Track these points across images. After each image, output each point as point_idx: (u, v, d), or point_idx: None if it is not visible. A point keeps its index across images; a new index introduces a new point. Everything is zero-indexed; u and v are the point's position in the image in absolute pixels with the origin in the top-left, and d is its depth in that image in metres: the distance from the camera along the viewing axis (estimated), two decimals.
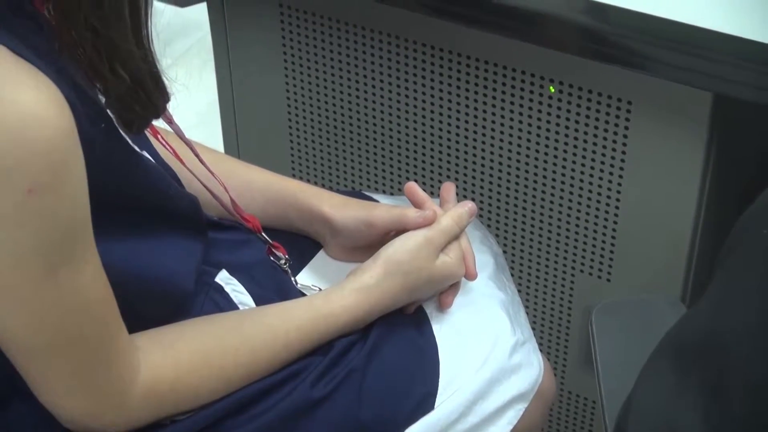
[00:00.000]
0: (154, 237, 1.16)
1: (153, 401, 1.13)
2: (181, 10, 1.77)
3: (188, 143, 1.29)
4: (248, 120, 1.85)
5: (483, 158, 1.65)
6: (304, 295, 1.30)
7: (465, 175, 1.68)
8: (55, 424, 1.10)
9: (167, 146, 1.26)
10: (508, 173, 1.64)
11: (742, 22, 1.33)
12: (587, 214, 1.61)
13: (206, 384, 1.16)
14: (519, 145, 1.61)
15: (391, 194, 1.67)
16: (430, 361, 1.29)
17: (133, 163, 1.12)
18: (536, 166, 1.61)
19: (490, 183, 1.67)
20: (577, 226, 1.63)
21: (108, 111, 1.06)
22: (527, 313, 1.48)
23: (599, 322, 1.31)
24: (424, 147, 1.70)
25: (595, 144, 1.54)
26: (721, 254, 0.96)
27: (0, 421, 1.14)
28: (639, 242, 1.59)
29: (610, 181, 1.56)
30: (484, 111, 1.61)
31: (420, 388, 1.27)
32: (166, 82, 1.08)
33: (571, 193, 1.60)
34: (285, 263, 1.34)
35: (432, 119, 1.66)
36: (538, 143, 1.59)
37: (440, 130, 1.66)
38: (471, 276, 1.32)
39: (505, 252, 1.66)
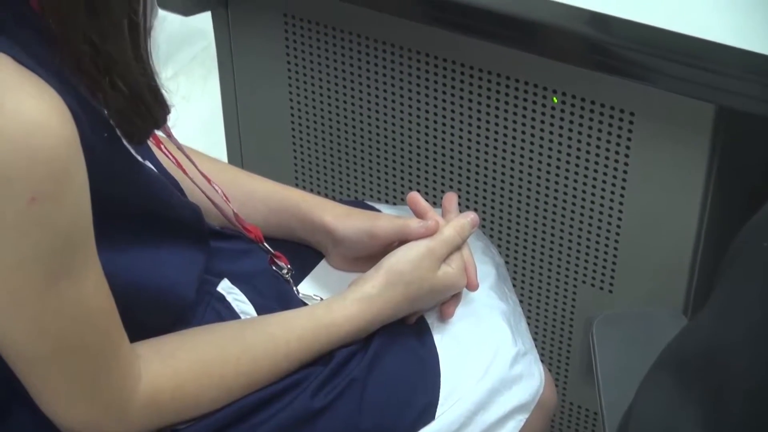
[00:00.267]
0: (156, 246, 1.16)
1: (153, 410, 1.13)
2: (186, 18, 1.78)
3: (187, 156, 1.29)
4: (251, 129, 1.85)
5: (485, 168, 1.65)
6: (305, 304, 1.30)
7: (467, 185, 1.68)
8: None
9: (170, 156, 1.26)
10: (511, 183, 1.64)
11: (744, 35, 1.34)
12: (589, 224, 1.61)
13: (207, 393, 1.16)
14: (522, 156, 1.61)
15: (394, 204, 1.68)
16: (431, 372, 1.29)
17: (135, 173, 1.12)
18: (539, 177, 1.61)
19: (493, 193, 1.67)
20: (579, 237, 1.63)
21: (111, 121, 1.06)
22: (529, 324, 1.49)
23: (600, 334, 1.31)
24: (426, 157, 1.70)
25: (597, 155, 1.54)
26: (722, 266, 0.96)
27: (1, 429, 1.14)
28: (641, 254, 1.59)
29: (612, 192, 1.56)
30: (487, 121, 1.61)
31: (421, 399, 1.27)
32: (165, 94, 1.08)
33: (573, 203, 1.60)
34: (287, 273, 1.34)
35: (435, 129, 1.66)
36: (540, 154, 1.59)
37: (443, 140, 1.66)
38: (472, 287, 1.32)
39: (507, 262, 1.65)
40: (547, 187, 1.61)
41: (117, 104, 1.02)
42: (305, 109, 1.77)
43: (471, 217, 1.33)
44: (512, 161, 1.62)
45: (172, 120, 1.15)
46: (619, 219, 1.58)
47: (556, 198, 1.61)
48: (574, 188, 1.59)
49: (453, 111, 1.63)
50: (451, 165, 1.68)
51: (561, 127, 1.55)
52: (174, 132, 1.33)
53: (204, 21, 1.82)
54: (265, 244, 1.34)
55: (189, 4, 1.71)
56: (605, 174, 1.55)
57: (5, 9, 0.97)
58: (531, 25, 1.43)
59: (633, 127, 1.50)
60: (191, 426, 1.17)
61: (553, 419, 1.74)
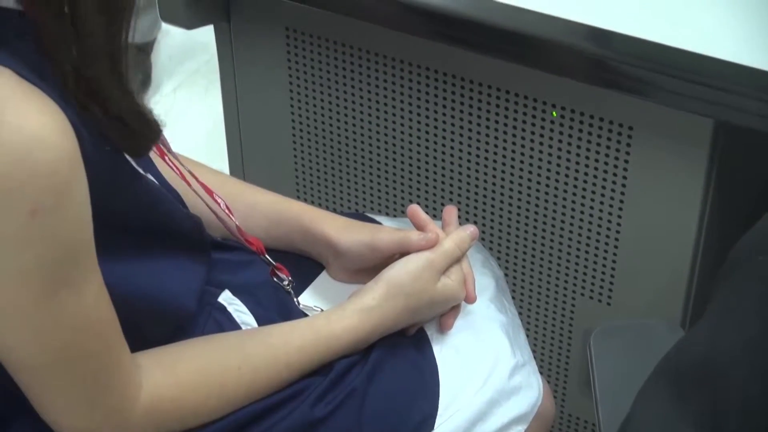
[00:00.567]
0: (157, 258, 1.16)
1: (154, 420, 1.13)
2: (189, 32, 1.78)
3: (188, 170, 1.29)
4: (253, 141, 1.85)
5: (485, 181, 1.65)
6: (306, 315, 1.30)
7: (467, 198, 1.68)
8: None
9: (173, 167, 1.26)
10: (510, 197, 1.64)
11: (742, 50, 1.34)
12: (588, 238, 1.61)
13: (207, 403, 1.16)
14: (521, 169, 1.61)
15: (394, 216, 1.67)
16: (430, 382, 1.29)
17: (136, 185, 1.12)
18: (538, 190, 1.61)
19: (492, 206, 1.67)
20: (578, 249, 1.63)
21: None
22: (528, 336, 1.49)
23: (598, 346, 1.32)
24: (426, 170, 1.70)
25: (596, 169, 1.55)
26: (719, 278, 0.97)
27: None
28: (639, 267, 1.59)
29: (611, 206, 1.56)
30: (487, 135, 1.61)
31: (420, 409, 1.27)
32: (154, 117, 1.08)
33: (572, 217, 1.60)
34: (288, 284, 1.34)
35: (435, 142, 1.66)
36: (540, 167, 1.59)
37: (443, 153, 1.67)
38: (470, 299, 1.33)
39: (506, 275, 1.66)
40: (546, 200, 1.61)
41: (104, 124, 1.02)
42: (306, 122, 1.77)
43: (471, 230, 1.33)
44: (512, 174, 1.62)
45: (174, 132, 1.15)
46: (618, 232, 1.58)
47: (555, 211, 1.62)
48: (573, 201, 1.59)
49: (453, 125, 1.63)
50: (451, 178, 1.68)
51: (560, 141, 1.55)
52: (177, 143, 1.33)
53: (206, 34, 1.82)
54: (267, 256, 1.34)
55: (192, 17, 1.71)
56: (604, 187, 1.55)
57: (7, 22, 0.97)
58: (532, 41, 1.43)
59: (632, 141, 1.50)
60: None
61: (552, 430, 1.72)
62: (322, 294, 1.36)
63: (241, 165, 1.88)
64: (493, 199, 1.66)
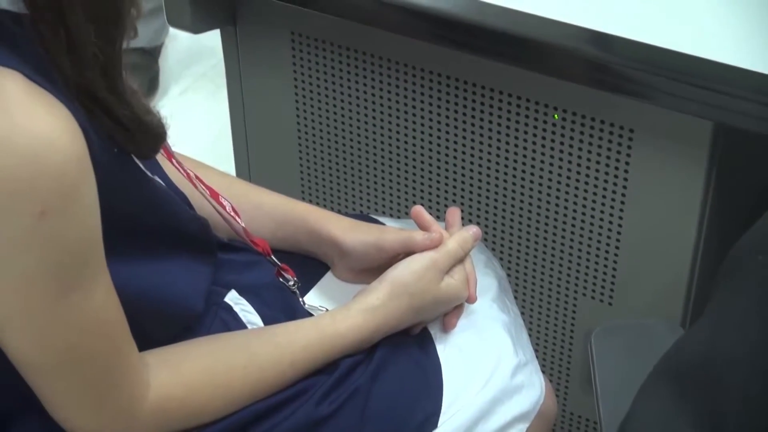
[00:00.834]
0: (164, 259, 1.17)
1: (162, 418, 1.13)
2: (196, 36, 1.78)
3: (194, 173, 1.30)
4: (259, 144, 1.85)
5: (488, 183, 1.65)
6: (311, 315, 1.30)
7: (470, 199, 1.68)
8: None
9: (180, 169, 1.26)
10: (513, 198, 1.64)
11: (741, 54, 1.34)
12: (589, 239, 1.61)
13: (214, 401, 1.17)
14: (523, 171, 1.61)
15: (398, 218, 1.68)
16: (434, 381, 1.29)
17: (144, 187, 1.13)
18: (540, 192, 1.61)
19: (495, 207, 1.67)
20: (579, 250, 1.63)
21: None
22: (530, 335, 1.49)
23: (599, 345, 1.31)
24: (430, 172, 1.70)
25: (597, 170, 1.55)
26: (719, 278, 0.97)
27: None
28: (640, 267, 1.59)
29: (612, 207, 1.56)
30: (490, 137, 1.61)
31: (424, 408, 1.28)
32: (159, 120, 1.09)
33: (573, 218, 1.61)
34: (294, 285, 1.34)
35: (438, 144, 1.67)
36: (542, 169, 1.59)
37: (446, 155, 1.67)
38: (471, 299, 1.33)
39: (508, 275, 1.66)
40: (548, 202, 1.61)
41: (109, 127, 1.03)
42: (311, 125, 1.77)
43: (473, 230, 1.34)
44: (514, 176, 1.62)
45: (182, 135, 1.15)
46: (619, 233, 1.58)
47: (557, 212, 1.62)
48: (575, 203, 1.59)
49: (456, 127, 1.63)
50: (454, 180, 1.68)
51: (562, 143, 1.56)
52: (184, 147, 1.33)
53: (213, 39, 1.83)
54: (273, 257, 1.34)
55: (198, 22, 1.71)
56: (605, 189, 1.55)
57: (17, 26, 0.97)
58: (534, 45, 1.44)
59: (632, 143, 1.50)
60: None
61: (554, 428, 1.73)
62: (327, 294, 1.37)
63: (247, 167, 1.88)
64: (495, 200, 1.66)
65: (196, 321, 1.22)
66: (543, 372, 1.41)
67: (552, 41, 1.43)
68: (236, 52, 1.77)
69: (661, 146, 1.49)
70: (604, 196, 1.56)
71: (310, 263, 1.39)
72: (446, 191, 1.70)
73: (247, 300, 1.28)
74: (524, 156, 1.60)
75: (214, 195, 1.30)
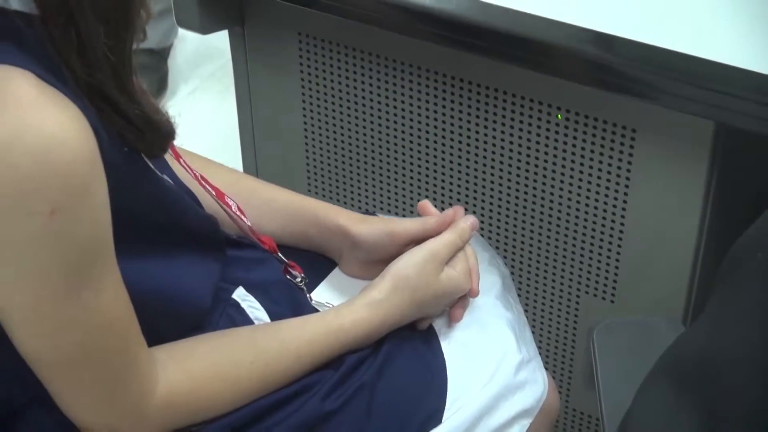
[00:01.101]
0: (173, 257, 1.17)
1: (170, 412, 1.14)
2: (205, 37, 1.79)
3: (200, 175, 1.30)
4: (266, 143, 1.85)
5: (492, 182, 1.66)
6: (318, 311, 1.31)
7: (475, 198, 1.69)
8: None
9: (188, 169, 1.27)
10: (517, 197, 1.65)
11: (743, 54, 1.35)
12: (592, 237, 1.61)
13: (221, 395, 1.17)
14: (527, 170, 1.61)
15: (404, 217, 1.68)
16: (438, 377, 1.29)
17: (153, 186, 1.13)
18: (543, 191, 1.61)
19: (499, 206, 1.67)
20: (582, 248, 1.63)
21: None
22: (533, 332, 1.48)
23: (600, 341, 1.31)
24: (435, 171, 1.70)
25: (600, 170, 1.55)
26: (719, 276, 0.97)
27: (19, 427, 1.15)
28: (642, 265, 1.59)
29: (614, 206, 1.56)
30: (494, 137, 1.61)
31: (428, 403, 1.28)
32: (167, 120, 1.10)
33: (577, 216, 1.61)
34: (301, 281, 1.34)
35: (443, 144, 1.67)
36: (545, 168, 1.59)
37: (451, 154, 1.67)
38: (473, 292, 1.33)
39: (512, 273, 1.66)
40: (551, 201, 1.62)
41: (119, 126, 1.04)
42: (318, 124, 1.77)
43: (471, 220, 1.33)
44: (518, 175, 1.63)
45: (191, 135, 1.16)
46: (621, 231, 1.58)
47: (560, 211, 1.62)
48: (578, 201, 1.59)
49: (461, 127, 1.63)
50: (459, 179, 1.68)
51: (565, 143, 1.56)
52: (193, 146, 1.33)
53: (222, 39, 1.83)
54: (279, 254, 1.34)
55: (207, 22, 1.71)
56: (608, 188, 1.56)
57: (30, 26, 0.98)
58: (538, 45, 1.44)
59: (635, 142, 1.51)
60: (205, 427, 1.17)
61: (557, 424, 1.70)
62: (333, 290, 1.37)
63: (255, 166, 1.88)
64: (499, 199, 1.66)
65: (204, 317, 1.22)
66: (546, 368, 1.42)
67: (555, 42, 1.43)
68: (244, 52, 1.78)
69: (663, 145, 1.49)
70: (606, 195, 1.57)
71: (317, 262, 1.39)
72: (451, 190, 1.70)
73: (255, 297, 1.28)
74: (528, 155, 1.60)
75: (220, 195, 1.30)
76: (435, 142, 1.68)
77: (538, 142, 1.59)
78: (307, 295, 1.34)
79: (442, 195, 1.72)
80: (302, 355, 1.22)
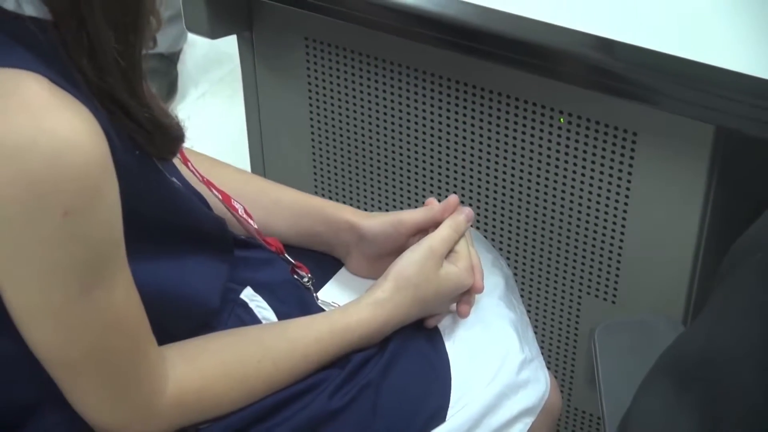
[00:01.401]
0: (182, 258, 1.18)
1: (179, 410, 1.15)
2: (214, 42, 1.79)
3: (207, 179, 1.30)
4: (274, 146, 1.85)
5: (495, 184, 1.66)
6: (324, 310, 1.32)
7: (478, 200, 1.69)
8: (87, 430, 1.13)
9: (196, 173, 1.28)
10: (519, 199, 1.65)
11: (743, 59, 1.35)
12: (594, 239, 1.61)
13: (230, 394, 1.18)
14: (530, 173, 1.62)
15: None
16: (442, 376, 1.30)
17: (163, 188, 1.14)
18: (546, 193, 1.62)
19: (502, 208, 1.68)
20: (584, 250, 1.63)
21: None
22: (535, 333, 1.49)
23: (602, 341, 1.31)
24: (439, 173, 1.71)
25: (602, 173, 1.55)
26: (718, 277, 0.97)
27: (31, 425, 1.15)
28: (643, 266, 1.59)
29: (615, 208, 1.57)
30: (497, 140, 1.62)
31: (432, 402, 1.28)
32: (177, 124, 1.10)
33: (578, 219, 1.61)
34: (308, 281, 1.35)
35: (448, 147, 1.67)
36: (548, 171, 1.60)
37: (455, 157, 1.67)
38: (477, 288, 1.33)
39: (515, 274, 1.66)
40: (553, 203, 1.62)
41: (130, 129, 1.05)
42: (325, 128, 1.78)
43: (466, 212, 1.34)
44: (521, 178, 1.63)
45: (200, 139, 1.16)
46: (622, 233, 1.58)
47: (562, 213, 1.62)
48: (580, 204, 1.60)
49: (465, 130, 1.64)
50: (462, 181, 1.69)
51: (567, 146, 1.56)
52: (202, 151, 1.34)
53: (230, 45, 1.83)
54: (286, 255, 1.35)
55: (215, 27, 1.71)
56: (609, 190, 1.56)
57: (43, 32, 0.99)
58: (540, 50, 1.44)
59: (636, 146, 1.51)
60: (214, 425, 1.18)
61: (559, 424, 1.72)
62: (340, 289, 1.38)
63: (263, 169, 1.88)
64: (502, 201, 1.67)
65: (212, 317, 1.23)
66: (548, 368, 1.42)
67: (558, 47, 1.43)
68: (252, 57, 1.78)
69: (664, 148, 1.49)
70: (608, 197, 1.57)
71: (324, 262, 1.40)
72: (454, 192, 1.68)
73: (262, 297, 1.29)
74: (530, 158, 1.61)
75: (227, 199, 1.31)
76: (439, 145, 1.69)
77: (540, 145, 1.59)
78: (314, 295, 1.35)
79: (445, 196, 1.68)
80: (309, 353, 1.23)
